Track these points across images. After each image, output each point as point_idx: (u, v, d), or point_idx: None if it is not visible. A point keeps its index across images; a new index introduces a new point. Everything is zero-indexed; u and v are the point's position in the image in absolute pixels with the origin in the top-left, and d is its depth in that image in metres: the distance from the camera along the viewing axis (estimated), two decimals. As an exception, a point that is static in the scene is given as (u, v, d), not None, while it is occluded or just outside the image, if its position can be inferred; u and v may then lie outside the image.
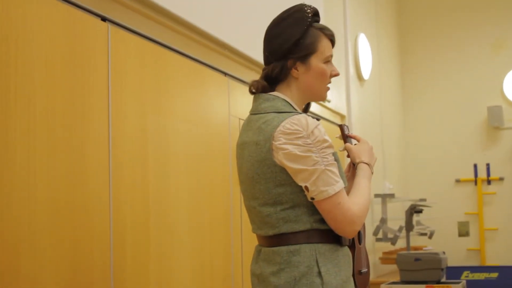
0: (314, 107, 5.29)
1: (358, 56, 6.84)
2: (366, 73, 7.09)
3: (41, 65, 2.27)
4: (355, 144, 2.28)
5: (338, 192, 1.96)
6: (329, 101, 5.67)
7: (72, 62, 2.44)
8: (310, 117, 2.02)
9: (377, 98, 7.66)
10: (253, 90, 2.15)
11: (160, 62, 3.08)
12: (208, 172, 3.43)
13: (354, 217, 1.98)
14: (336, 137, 2.32)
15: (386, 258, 6.89)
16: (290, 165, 1.96)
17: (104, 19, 2.69)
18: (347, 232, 2.00)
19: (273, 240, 2.03)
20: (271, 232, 2.03)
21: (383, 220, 6.49)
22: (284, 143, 1.96)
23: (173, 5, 3.17)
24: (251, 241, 2.27)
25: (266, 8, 4.15)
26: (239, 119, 3.77)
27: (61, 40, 2.39)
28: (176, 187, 3.11)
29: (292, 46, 2.09)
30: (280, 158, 1.97)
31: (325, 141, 1.98)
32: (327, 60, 2.15)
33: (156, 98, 3.01)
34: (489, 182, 8.60)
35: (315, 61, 2.12)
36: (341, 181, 1.99)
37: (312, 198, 1.97)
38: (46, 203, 2.24)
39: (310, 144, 1.95)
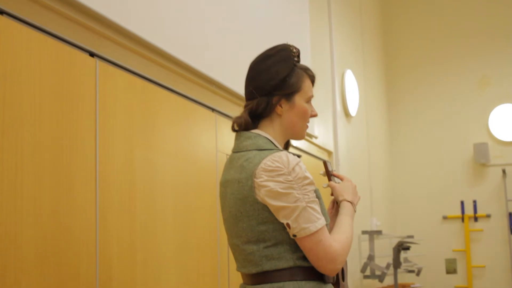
0: (301, 143, 5.30)
1: (345, 93, 6.88)
2: (353, 109, 7.13)
3: (29, 99, 2.27)
4: (339, 183, 2.29)
5: (320, 229, 1.96)
6: (316, 137, 5.69)
7: (60, 97, 2.44)
8: (291, 154, 2.03)
9: (364, 134, 7.69)
10: (236, 128, 2.16)
11: (148, 98, 3.09)
12: (195, 208, 3.42)
13: (336, 255, 1.97)
14: (320, 174, 2.33)
15: (373, 295, 6.85)
16: (271, 202, 1.96)
17: (92, 54, 2.70)
18: (329, 270, 1.99)
19: (257, 278, 2.03)
20: (254, 270, 2.03)
21: (371, 257, 6.47)
22: (266, 180, 1.96)
23: (161, 41, 3.19)
24: (238, 278, 2.25)
25: (253, 45, 4.19)
26: (226, 154, 3.77)
27: (49, 75, 2.39)
28: (163, 223, 3.09)
29: (279, 83, 2.10)
30: (262, 195, 1.97)
31: (306, 178, 1.98)
32: (309, 100, 2.18)
33: (144, 133, 3.01)
34: (476, 219, 8.62)
35: (298, 99, 2.14)
36: (323, 218, 1.99)
37: (294, 235, 1.96)
38: (33, 240, 2.22)
39: (291, 181, 1.95)
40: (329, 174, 2.31)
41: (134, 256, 2.84)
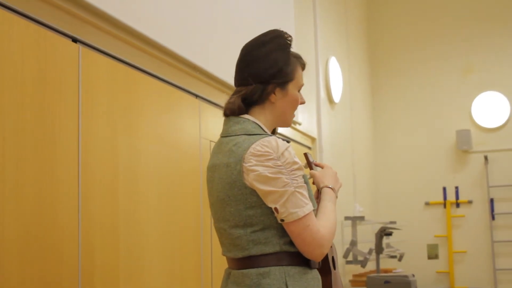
0: (285, 130, 5.31)
1: (329, 79, 6.89)
2: (337, 96, 7.14)
3: (10, 85, 2.26)
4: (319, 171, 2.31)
5: (308, 214, 1.97)
6: (300, 124, 5.70)
7: (42, 83, 2.43)
8: (280, 139, 2.04)
9: (348, 121, 7.72)
10: (228, 113, 2.16)
11: (131, 84, 3.08)
12: (179, 194, 3.42)
13: (323, 240, 1.99)
14: (302, 166, 2.34)
15: (356, 281, 6.90)
16: (260, 186, 1.97)
17: (75, 40, 2.68)
18: (315, 255, 2.01)
19: (243, 263, 2.03)
20: (240, 255, 2.03)
21: (353, 243, 6.51)
22: (255, 165, 1.97)
23: (145, 27, 3.18)
24: (221, 264, 2.26)
25: (237, 31, 4.18)
26: (210, 141, 3.77)
27: (31, 61, 2.38)
28: (147, 209, 3.10)
29: (277, 72, 2.11)
30: (250, 180, 1.98)
31: (295, 163, 2.00)
32: (300, 89, 2.20)
33: (127, 120, 3.00)
34: (458, 205, 8.69)
35: (292, 88, 2.16)
36: (310, 204, 2.00)
37: (282, 220, 1.97)
38: (15, 227, 2.22)
39: (280, 166, 1.97)
40: (310, 165, 2.34)
41: (117, 243, 2.84)
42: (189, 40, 3.67)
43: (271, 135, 2.06)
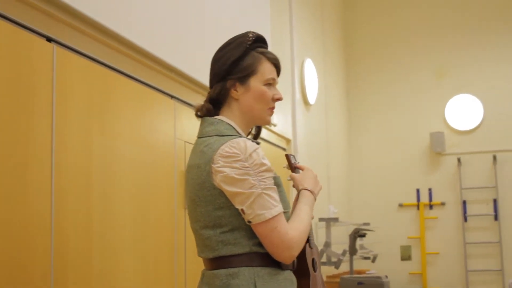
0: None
1: (305, 81, 6.90)
2: (312, 97, 7.16)
3: (-16, 85, 2.24)
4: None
5: (276, 216, 1.97)
6: (275, 125, 5.71)
7: (16, 82, 2.41)
8: (249, 140, 2.04)
9: (323, 122, 7.74)
10: (199, 114, 2.18)
11: (107, 84, 3.06)
12: (153, 194, 3.41)
13: (291, 242, 1.99)
14: (284, 167, 2.34)
15: (329, 282, 6.92)
16: (227, 188, 1.97)
17: (49, 39, 2.67)
18: (284, 257, 2.00)
19: (214, 263, 2.04)
20: (211, 255, 2.04)
21: (327, 244, 6.53)
22: (222, 166, 1.98)
23: (120, 27, 3.16)
24: (196, 264, 2.26)
25: (213, 33, 4.18)
26: (185, 142, 3.76)
27: (5, 60, 2.36)
28: (121, 210, 3.09)
29: (230, 66, 2.13)
30: (218, 181, 1.99)
31: (263, 164, 2.00)
32: (268, 83, 2.17)
33: (102, 121, 2.99)
34: (431, 206, 8.76)
35: (254, 82, 2.14)
36: (280, 206, 2.00)
37: (249, 222, 1.98)
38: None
39: (247, 167, 1.97)
40: (292, 167, 2.32)
41: (91, 243, 2.82)
42: (165, 41, 3.66)
43: (241, 136, 2.06)
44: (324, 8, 8.18)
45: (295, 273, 2.16)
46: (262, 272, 2.00)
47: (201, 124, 2.16)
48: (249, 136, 2.25)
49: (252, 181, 1.96)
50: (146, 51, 3.41)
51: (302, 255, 2.18)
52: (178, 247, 3.63)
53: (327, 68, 8.04)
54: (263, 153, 2.03)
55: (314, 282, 2.18)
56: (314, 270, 2.20)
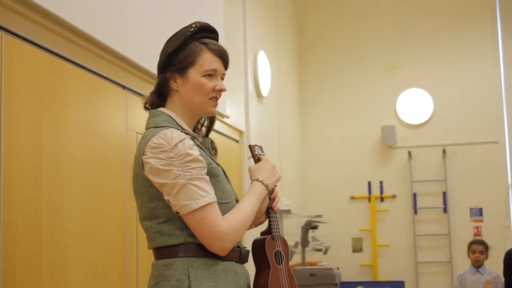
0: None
1: (258, 73, 6.91)
2: (265, 90, 7.17)
3: None
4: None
5: (203, 207, 1.95)
6: (227, 117, 5.70)
7: (-38, 70, 2.35)
8: (178, 131, 2.02)
9: (276, 115, 7.76)
10: (147, 106, 2.17)
11: (57, 74, 3.02)
12: (104, 186, 3.38)
13: (222, 233, 1.96)
14: (248, 158, 2.33)
15: (282, 274, 6.94)
16: (153, 179, 1.97)
17: (-2, 27, 2.61)
18: (216, 249, 1.98)
19: (155, 254, 2.06)
20: (151, 246, 2.06)
21: (280, 236, 6.54)
22: (149, 157, 1.97)
23: (71, 16, 3.12)
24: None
25: (165, 23, 4.15)
26: (137, 132, 3.73)
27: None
28: (71, 201, 3.05)
29: (168, 58, 2.12)
30: (146, 172, 1.99)
31: (189, 155, 1.97)
32: (208, 74, 2.12)
33: (52, 111, 2.94)
34: (382, 199, 8.86)
35: (193, 73, 2.11)
36: (211, 196, 1.97)
37: (177, 212, 1.97)
38: None
39: (172, 158, 1.95)
40: (255, 158, 2.30)
41: (40, 235, 2.78)
42: (117, 30, 3.62)
43: (172, 127, 2.03)
44: (277, 1, 8.19)
45: (256, 265, 2.15)
46: (197, 262, 1.98)
47: (148, 116, 2.15)
48: (203, 128, 2.24)
49: (176, 172, 1.94)
50: (97, 40, 3.37)
51: (261, 247, 2.18)
52: (129, 238, 3.60)
53: (279, 60, 8.06)
54: (192, 143, 2.01)
55: (275, 275, 2.16)
56: (279, 263, 2.19)
